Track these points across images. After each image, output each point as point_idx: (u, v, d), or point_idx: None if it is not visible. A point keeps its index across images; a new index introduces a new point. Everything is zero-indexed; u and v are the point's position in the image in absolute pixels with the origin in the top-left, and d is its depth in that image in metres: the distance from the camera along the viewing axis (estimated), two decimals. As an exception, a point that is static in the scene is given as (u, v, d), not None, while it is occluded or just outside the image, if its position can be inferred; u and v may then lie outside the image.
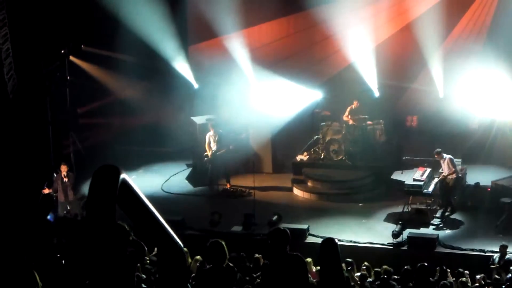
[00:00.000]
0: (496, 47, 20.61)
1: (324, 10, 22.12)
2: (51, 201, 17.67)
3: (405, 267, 13.03)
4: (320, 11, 22.18)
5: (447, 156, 17.38)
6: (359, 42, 21.83)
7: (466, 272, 13.55)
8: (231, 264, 7.62)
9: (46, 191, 17.64)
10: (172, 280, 5.91)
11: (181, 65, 23.61)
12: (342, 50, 21.92)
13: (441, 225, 16.93)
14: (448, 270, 13.61)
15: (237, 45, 23.08)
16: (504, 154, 19.98)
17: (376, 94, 21.71)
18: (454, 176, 17.25)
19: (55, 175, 17.96)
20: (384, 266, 13.08)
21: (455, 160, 17.54)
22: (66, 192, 17.59)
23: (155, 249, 12.06)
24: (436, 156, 17.60)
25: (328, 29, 22.01)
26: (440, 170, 17.70)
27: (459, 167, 17.75)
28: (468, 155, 19.63)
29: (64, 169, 17.62)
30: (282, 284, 7.28)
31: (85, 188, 17.32)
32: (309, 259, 13.55)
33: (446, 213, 17.23)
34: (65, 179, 17.55)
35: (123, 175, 4.65)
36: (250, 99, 22.07)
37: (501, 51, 20.69)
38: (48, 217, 15.67)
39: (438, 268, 13.53)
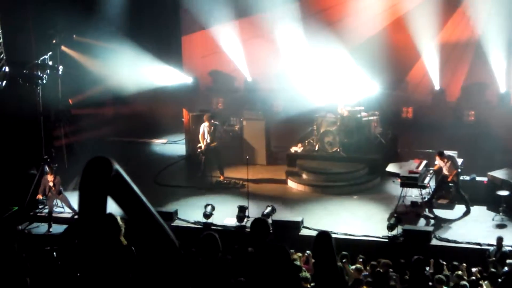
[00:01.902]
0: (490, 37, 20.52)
1: (318, 1, 22.06)
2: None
3: (401, 260, 12.92)
4: (313, 2, 22.09)
5: (450, 158, 17.13)
6: (354, 33, 21.69)
7: (464, 264, 13.47)
8: (228, 256, 7.50)
9: (40, 197, 17.51)
10: (166, 272, 5.80)
11: (174, 55, 23.50)
12: (337, 41, 21.76)
13: (436, 218, 16.80)
14: (444, 263, 13.52)
15: (232, 35, 22.96)
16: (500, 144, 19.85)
17: (372, 85, 21.53)
18: (455, 175, 17.08)
19: (46, 168, 17.83)
20: (383, 260, 12.99)
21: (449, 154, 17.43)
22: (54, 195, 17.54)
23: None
24: (437, 157, 17.29)
25: (322, 19, 21.90)
26: (436, 162, 17.53)
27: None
28: (463, 146, 19.47)
29: (50, 179, 17.45)
30: (263, 274, 7.18)
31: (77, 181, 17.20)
32: (299, 254, 13.45)
33: (465, 212, 17.11)
34: (53, 189, 17.41)
35: (116, 166, 4.51)
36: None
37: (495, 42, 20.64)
38: None
39: (432, 260, 13.42)
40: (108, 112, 23.75)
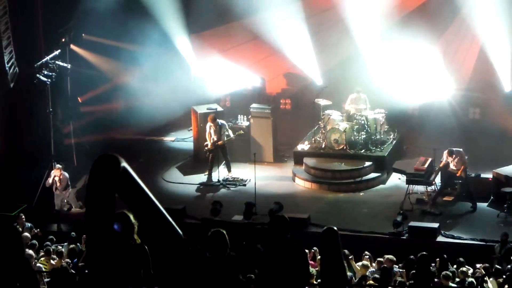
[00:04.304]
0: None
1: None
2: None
3: (410, 256, 12.96)
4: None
5: (458, 154, 17.21)
6: (360, 32, 21.72)
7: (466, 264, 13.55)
8: (233, 254, 7.58)
9: (49, 182, 17.61)
10: (174, 269, 5.88)
11: (182, 54, 23.59)
12: (345, 39, 21.82)
13: (441, 215, 16.89)
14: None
15: (240, 34, 23.04)
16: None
17: (378, 83, 21.58)
18: (463, 171, 17.16)
19: (57, 165, 17.96)
20: (387, 256, 13.07)
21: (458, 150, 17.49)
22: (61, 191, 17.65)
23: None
24: (446, 153, 17.35)
25: (331, 17, 21.97)
26: (442, 159, 17.60)
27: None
28: (469, 144, 19.51)
29: (57, 173, 17.55)
30: (282, 274, 7.25)
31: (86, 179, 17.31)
32: (306, 250, 13.51)
33: (470, 209, 17.20)
34: (58, 184, 17.51)
35: (123, 164, 4.62)
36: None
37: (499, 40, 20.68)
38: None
39: (438, 259, 13.49)
40: (117, 109, 23.81)
